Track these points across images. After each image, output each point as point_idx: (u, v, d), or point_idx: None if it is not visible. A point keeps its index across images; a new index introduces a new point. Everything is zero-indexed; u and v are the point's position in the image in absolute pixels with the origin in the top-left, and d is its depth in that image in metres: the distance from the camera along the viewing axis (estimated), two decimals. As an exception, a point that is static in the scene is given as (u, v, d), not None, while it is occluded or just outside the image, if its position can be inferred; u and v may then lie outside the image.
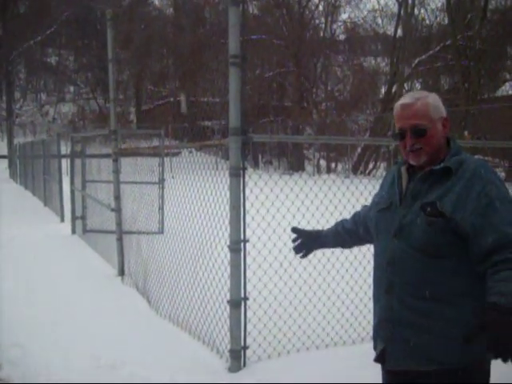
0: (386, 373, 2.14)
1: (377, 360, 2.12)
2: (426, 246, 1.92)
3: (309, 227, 4.66)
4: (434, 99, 2.03)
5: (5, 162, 30.59)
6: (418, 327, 1.95)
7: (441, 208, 1.89)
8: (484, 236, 1.85)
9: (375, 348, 2.13)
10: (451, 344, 1.90)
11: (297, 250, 2.63)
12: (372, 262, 2.19)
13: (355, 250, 4.25)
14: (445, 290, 1.91)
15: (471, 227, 1.86)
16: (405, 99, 2.04)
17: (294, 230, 2.63)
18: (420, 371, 1.97)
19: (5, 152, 32.28)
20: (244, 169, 3.56)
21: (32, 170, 17.31)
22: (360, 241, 2.50)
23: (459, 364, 1.89)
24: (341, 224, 2.54)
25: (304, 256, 2.66)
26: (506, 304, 1.69)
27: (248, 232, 3.65)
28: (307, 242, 2.60)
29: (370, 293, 2.21)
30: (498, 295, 1.73)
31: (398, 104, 2.06)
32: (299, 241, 2.61)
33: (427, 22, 29.78)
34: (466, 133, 18.50)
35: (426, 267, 1.93)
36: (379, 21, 31.73)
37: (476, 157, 2.12)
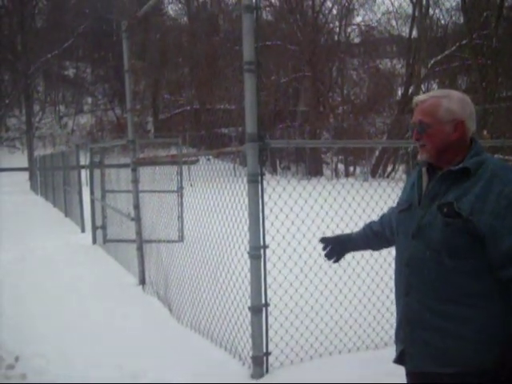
0: (407, 374, 2.13)
1: (396, 361, 2.12)
2: (443, 247, 1.90)
3: (328, 232, 4.65)
4: (450, 101, 1.98)
5: (25, 175, 31.00)
6: (436, 329, 1.94)
7: (458, 209, 1.87)
8: (502, 239, 1.81)
9: (396, 350, 2.13)
10: (470, 346, 1.88)
11: (328, 256, 2.60)
12: (393, 266, 2.18)
13: (376, 253, 4.23)
14: (463, 292, 1.88)
15: (489, 229, 1.82)
16: (423, 95, 2.06)
17: (323, 240, 2.61)
18: (439, 373, 1.95)
19: (25, 164, 32.69)
20: (262, 175, 3.56)
21: (52, 181, 17.51)
22: (388, 243, 2.46)
23: (478, 366, 1.86)
24: (369, 226, 2.53)
25: (336, 261, 2.63)
26: None
27: (267, 238, 3.65)
28: (337, 247, 2.58)
29: (392, 296, 2.20)
30: None
31: (416, 98, 2.09)
32: (329, 248, 2.58)
33: (442, 21, 29.62)
34: (485, 132, 18.30)
35: (444, 268, 1.90)
36: (394, 22, 31.63)
37: (496, 156, 2.07)
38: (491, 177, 1.86)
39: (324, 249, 2.60)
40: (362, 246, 2.57)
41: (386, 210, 4.12)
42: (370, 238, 2.51)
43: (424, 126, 1.99)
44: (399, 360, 2.10)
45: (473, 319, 1.87)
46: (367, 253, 4.44)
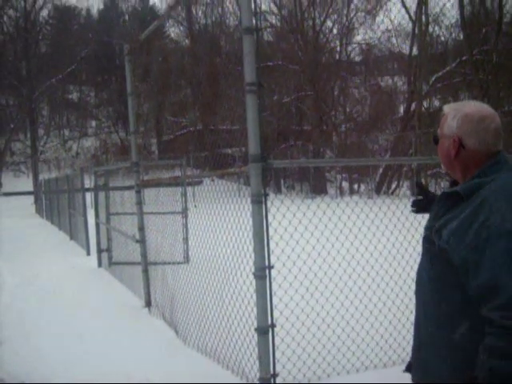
0: None
1: (405, 370, 2.10)
2: (429, 272, 1.86)
3: (333, 251, 4.63)
4: (455, 116, 1.85)
5: (31, 198, 31.12)
6: (433, 353, 1.88)
7: (432, 236, 1.80)
8: (474, 275, 1.65)
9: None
10: (461, 376, 1.75)
11: (413, 203, 2.39)
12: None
13: (382, 272, 4.21)
14: (456, 321, 1.78)
15: (462, 262, 1.68)
16: (448, 105, 1.95)
17: (417, 185, 2.44)
18: None
19: (30, 188, 32.90)
20: (266, 195, 3.56)
21: (57, 204, 17.56)
22: None
23: None
24: None
25: (416, 211, 2.39)
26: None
27: (272, 258, 3.63)
28: (426, 202, 2.35)
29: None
30: (479, 369, 1.62)
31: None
32: (421, 197, 2.39)
33: (442, 38, 29.81)
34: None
35: (438, 294, 1.84)
36: (394, 40, 31.87)
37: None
38: (480, 204, 1.68)
39: (418, 194, 2.40)
40: None
41: (390, 227, 4.12)
42: None
43: (435, 138, 1.94)
44: (407, 369, 2.09)
45: (466, 350, 1.74)
46: (378, 273, 4.42)
